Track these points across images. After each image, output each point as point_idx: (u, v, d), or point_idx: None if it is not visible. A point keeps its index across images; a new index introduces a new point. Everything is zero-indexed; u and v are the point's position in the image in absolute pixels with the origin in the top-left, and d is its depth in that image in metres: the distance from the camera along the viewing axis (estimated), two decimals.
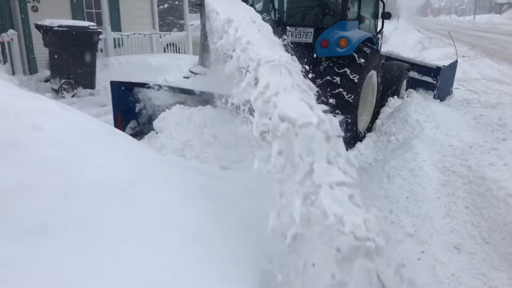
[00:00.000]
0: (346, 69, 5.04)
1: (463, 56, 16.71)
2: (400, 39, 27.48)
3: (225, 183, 3.22)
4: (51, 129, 2.48)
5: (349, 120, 4.98)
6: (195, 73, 5.37)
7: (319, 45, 5.20)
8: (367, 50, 5.29)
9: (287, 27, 5.55)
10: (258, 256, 2.34)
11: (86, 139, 2.63)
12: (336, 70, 5.08)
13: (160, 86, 4.43)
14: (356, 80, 5.01)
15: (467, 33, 36.58)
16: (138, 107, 4.73)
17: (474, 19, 68.73)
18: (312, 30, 5.42)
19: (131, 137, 3.35)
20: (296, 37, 5.49)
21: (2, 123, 2.30)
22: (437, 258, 3.03)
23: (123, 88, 4.67)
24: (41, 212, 1.96)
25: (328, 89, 5.00)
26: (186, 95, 4.34)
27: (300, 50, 5.35)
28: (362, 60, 5.11)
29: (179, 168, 3.24)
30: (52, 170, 2.19)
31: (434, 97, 7.29)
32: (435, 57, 15.36)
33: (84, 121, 2.90)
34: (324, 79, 5.07)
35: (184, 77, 5.72)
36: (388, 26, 39.56)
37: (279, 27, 5.55)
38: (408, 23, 62.58)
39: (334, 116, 4.48)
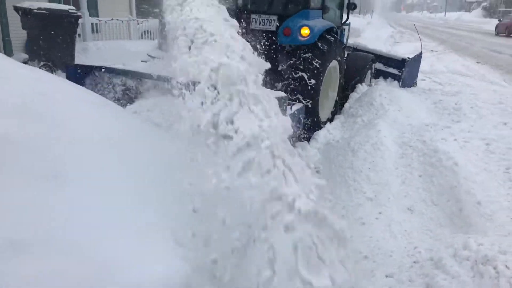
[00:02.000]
0: (309, 54, 5.14)
1: (432, 51, 17.39)
2: (373, 33, 28.09)
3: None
4: (53, 95, 2.79)
5: (309, 106, 5.11)
6: (153, 57, 5.43)
7: (281, 33, 5.25)
8: (328, 40, 5.39)
9: (251, 14, 5.56)
10: None
11: (85, 103, 2.96)
12: (298, 59, 5.17)
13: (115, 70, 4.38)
14: (318, 67, 5.12)
15: (438, 29, 37.70)
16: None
17: (445, 16, 70.51)
18: (275, 17, 5.43)
19: (118, 106, 3.67)
20: (260, 24, 5.52)
21: (15, 88, 2.61)
22: (392, 218, 3.46)
23: (79, 71, 4.57)
24: (54, 160, 2.28)
25: (290, 77, 5.10)
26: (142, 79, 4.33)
27: (264, 38, 5.38)
28: (325, 48, 5.24)
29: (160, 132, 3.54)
30: (61, 127, 2.51)
31: (400, 86, 7.74)
32: (406, 51, 15.85)
33: (81, 90, 3.23)
34: (286, 67, 5.18)
35: (142, 61, 5.76)
36: (362, 21, 40.26)
37: (243, 13, 5.58)
38: (382, 18, 63.70)
39: (294, 103, 4.71)
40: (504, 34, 30.20)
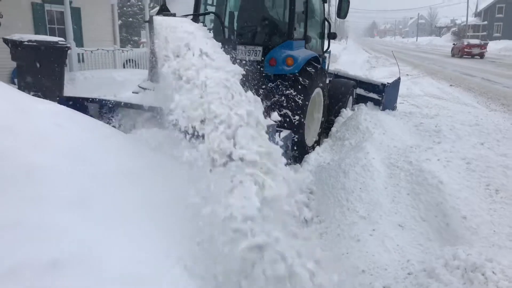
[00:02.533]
0: (291, 90, 5.36)
1: (407, 75, 18.07)
2: (349, 59, 28.95)
3: None
4: (69, 126, 2.99)
5: (296, 137, 5.28)
6: (144, 88, 5.61)
7: (267, 63, 5.52)
8: (312, 69, 5.67)
9: (238, 45, 5.81)
10: None
11: (96, 134, 3.16)
12: (281, 96, 5.38)
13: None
14: (300, 103, 5.34)
15: (411, 53, 39.11)
16: None
17: (416, 40, 72.98)
18: (261, 48, 5.69)
19: (122, 133, 3.86)
20: (245, 55, 5.75)
21: (32, 121, 2.79)
22: (385, 234, 3.70)
23: (70, 103, 4.53)
24: (77, 188, 2.47)
25: (276, 107, 5.27)
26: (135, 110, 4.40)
27: (250, 68, 5.52)
28: (307, 82, 5.47)
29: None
30: (77, 157, 2.70)
31: (381, 110, 8.12)
32: (382, 75, 16.53)
33: (89, 120, 3.43)
34: (271, 103, 5.36)
35: (133, 92, 5.91)
36: (338, 47, 41.43)
37: (229, 45, 5.74)
38: (357, 44, 65.59)
39: (281, 130, 4.92)
40: (457, 56, 34.68)
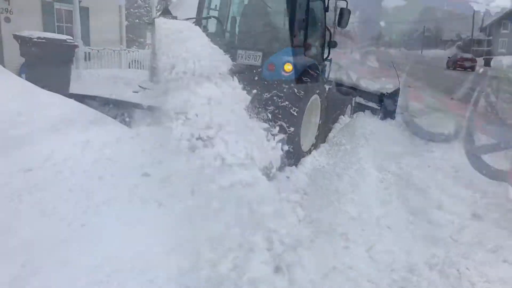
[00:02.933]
0: (286, 103, 5.33)
1: (409, 87, 18.21)
2: (352, 69, 29.03)
3: None
4: (78, 118, 3.19)
5: (291, 146, 5.14)
6: (144, 88, 5.73)
7: (266, 68, 5.60)
8: (309, 76, 5.75)
9: (238, 50, 5.91)
10: None
11: (101, 127, 3.37)
12: (277, 107, 5.31)
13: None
14: (295, 115, 5.33)
15: (414, 65, 39.32)
16: None
17: (421, 53, 73.18)
18: (260, 54, 5.78)
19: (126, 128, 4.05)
20: (245, 59, 5.86)
21: (45, 111, 3.00)
22: (374, 235, 3.86)
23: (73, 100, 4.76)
24: (84, 176, 2.66)
25: (270, 124, 4.98)
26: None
27: (249, 72, 5.71)
28: (301, 94, 5.49)
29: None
30: (86, 147, 2.90)
31: (380, 119, 8.28)
32: (383, 85, 16.63)
33: (95, 114, 3.64)
34: (270, 103, 5.35)
35: (133, 92, 6.04)
36: (342, 56, 41.58)
37: (230, 49, 5.63)
38: (361, 54, 65.57)
39: (276, 135, 4.97)
40: (451, 68, 36.80)
